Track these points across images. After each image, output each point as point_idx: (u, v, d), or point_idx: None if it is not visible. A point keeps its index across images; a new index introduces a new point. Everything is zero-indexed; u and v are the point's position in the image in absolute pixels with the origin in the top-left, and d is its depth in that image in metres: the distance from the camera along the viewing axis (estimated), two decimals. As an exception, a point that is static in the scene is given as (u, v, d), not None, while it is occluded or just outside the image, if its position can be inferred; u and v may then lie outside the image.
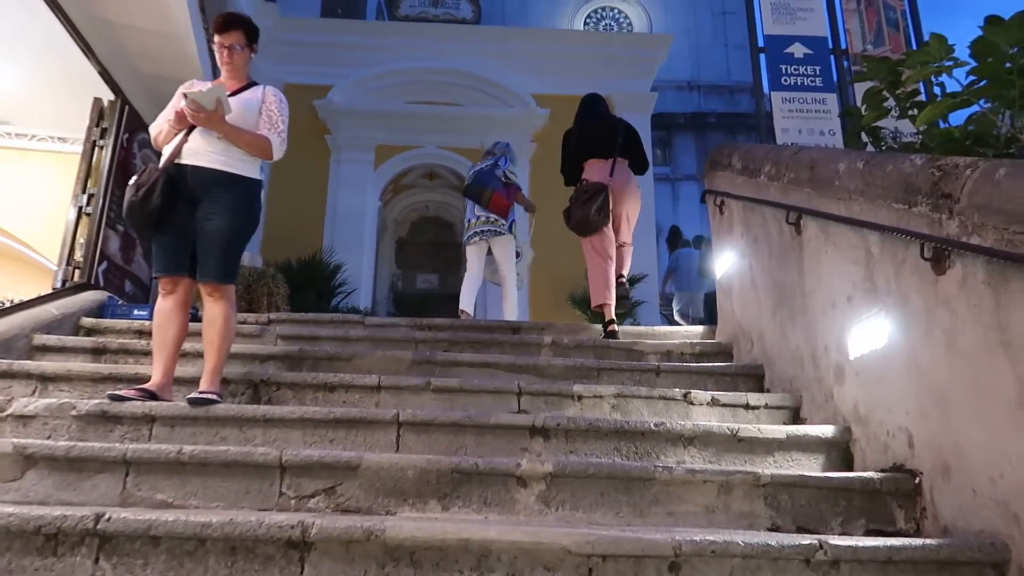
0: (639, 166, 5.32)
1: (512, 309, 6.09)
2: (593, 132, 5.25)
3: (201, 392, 3.01)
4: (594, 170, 5.06)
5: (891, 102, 3.09)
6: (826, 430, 3.03)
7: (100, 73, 5.69)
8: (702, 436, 2.96)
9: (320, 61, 10.61)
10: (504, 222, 5.83)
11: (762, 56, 6.01)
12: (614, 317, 5.08)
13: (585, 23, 23.15)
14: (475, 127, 10.50)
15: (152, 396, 3.02)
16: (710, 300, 6.91)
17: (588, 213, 4.89)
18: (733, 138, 32.75)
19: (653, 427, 2.96)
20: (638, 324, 8.55)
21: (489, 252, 6.07)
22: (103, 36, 5.69)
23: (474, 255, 5.98)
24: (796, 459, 2.98)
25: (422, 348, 4.52)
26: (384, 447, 2.88)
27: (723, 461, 2.91)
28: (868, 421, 2.88)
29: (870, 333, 2.84)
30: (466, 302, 5.98)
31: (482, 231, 5.86)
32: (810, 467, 2.95)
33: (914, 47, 5.88)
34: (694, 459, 2.92)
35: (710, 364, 4.21)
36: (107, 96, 5.81)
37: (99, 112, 5.69)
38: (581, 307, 9.03)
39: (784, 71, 5.84)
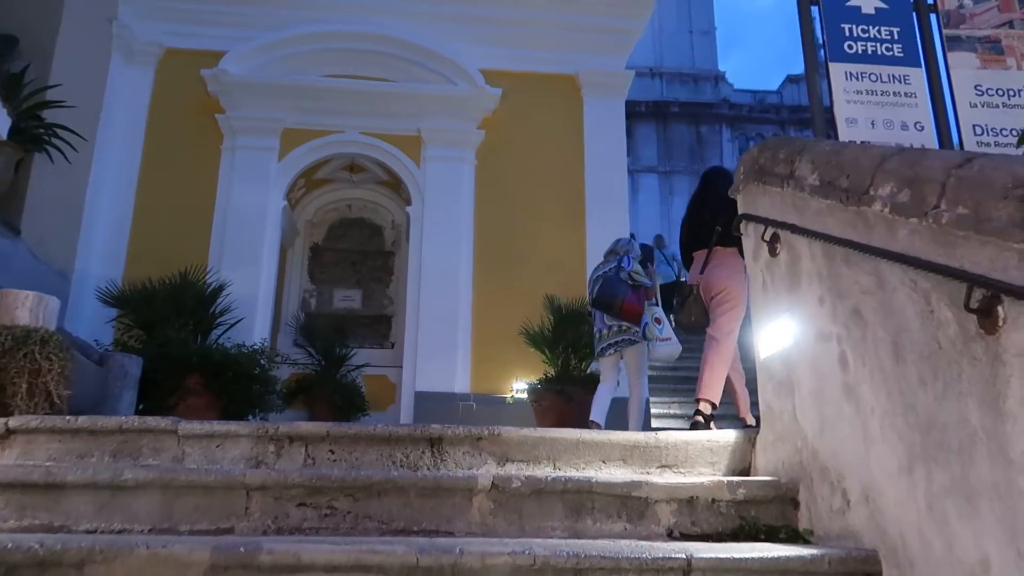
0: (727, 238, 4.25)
1: (638, 419, 5.47)
2: (693, 220, 4.84)
3: None
4: (693, 266, 4.72)
5: None
6: None
7: None
8: None
9: (211, 20, 8.35)
10: (637, 328, 5.30)
11: (814, 9, 4.06)
12: (703, 414, 4.48)
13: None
14: (410, 108, 8.38)
15: None
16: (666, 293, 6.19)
17: (681, 321, 4.60)
18: (696, 129, 31.26)
19: None
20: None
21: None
22: None
23: (609, 366, 5.59)
24: None
25: (257, 502, 2.47)
26: None
27: None
28: None
29: None
30: (597, 413, 5.49)
31: (616, 342, 5.42)
32: None
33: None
34: None
35: (778, 553, 2.24)
36: None
37: None
38: (538, 343, 7.01)
39: (848, 32, 3.92)
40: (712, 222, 4.38)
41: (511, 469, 2.90)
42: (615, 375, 5.58)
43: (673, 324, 5.15)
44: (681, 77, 31.07)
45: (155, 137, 8.05)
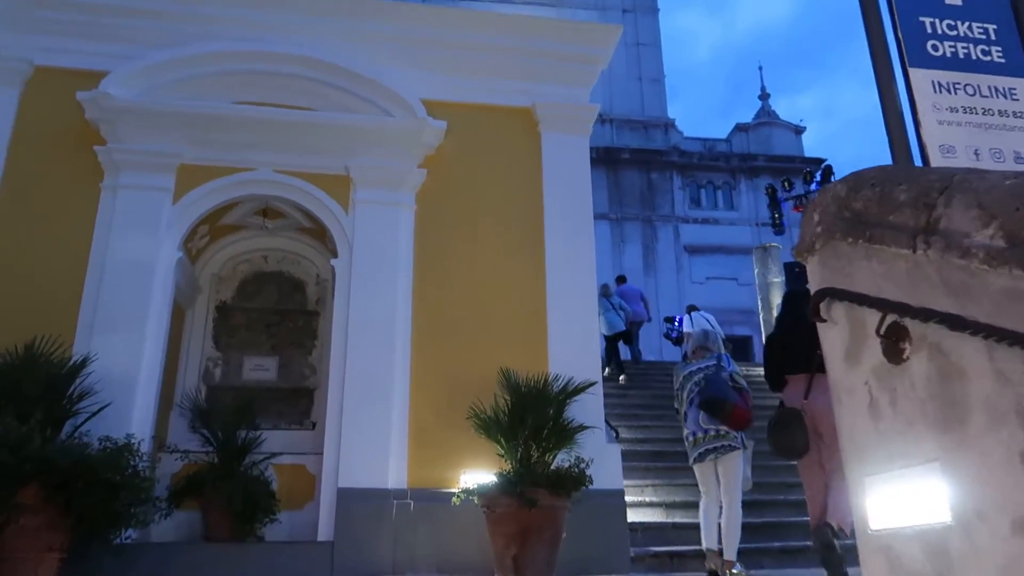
0: None
1: (735, 536, 5.08)
2: (791, 341, 4.63)
3: None
4: (791, 389, 4.57)
5: None
6: None
7: None
8: None
9: (93, 33, 6.91)
10: (737, 435, 5.13)
11: (881, 1, 2.89)
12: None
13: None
14: (336, 142, 7.03)
15: None
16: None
17: (781, 446, 4.13)
18: (647, 175, 30.72)
19: None
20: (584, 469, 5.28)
21: None
22: None
23: (708, 475, 5.30)
24: None
25: None
26: None
27: None
28: None
29: None
30: (710, 538, 5.15)
31: (714, 448, 5.16)
32: None
33: None
34: None
35: None
36: None
37: None
38: (491, 431, 5.62)
39: (930, 29, 2.76)
40: (810, 344, 3.76)
41: None
42: (717, 485, 5.22)
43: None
44: (631, 124, 30.59)
45: (16, 173, 6.50)
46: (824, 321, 2.13)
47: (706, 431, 5.15)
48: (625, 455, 8.31)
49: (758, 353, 26.36)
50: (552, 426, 5.44)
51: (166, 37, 6.99)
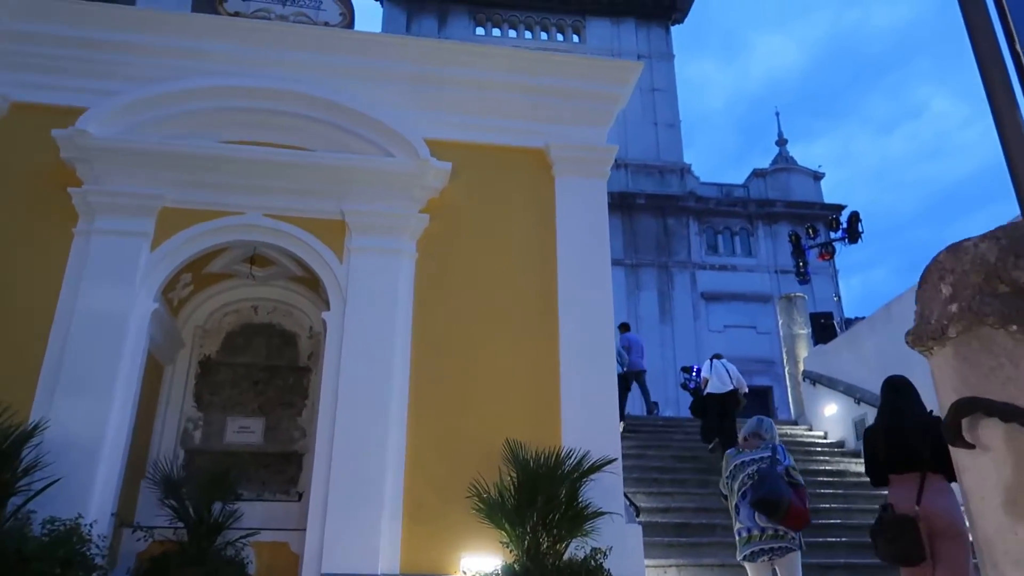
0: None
1: None
2: (893, 439, 4.37)
3: None
4: (899, 490, 4.25)
5: None
6: None
7: None
8: None
9: (71, 68, 6.44)
10: (795, 535, 4.80)
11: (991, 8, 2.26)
12: None
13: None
14: (331, 184, 6.47)
15: None
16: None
17: (893, 554, 4.02)
18: (663, 221, 30.17)
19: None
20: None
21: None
22: None
23: (762, 574, 4.97)
24: None
25: None
26: None
27: None
28: None
29: None
30: None
31: (771, 548, 4.79)
32: None
33: None
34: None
35: None
36: None
37: None
38: (495, 514, 4.89)
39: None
40: (920, 442, 4.16)
41: None
42: None
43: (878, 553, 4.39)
44: (647, 168, 30.18)
45: (-18, 217, 5.97)
46: (969, 447, 1.44)
47: (763, 529, 4.83)
48: (645, 528, 7.53)
49: (780, 405, 25.41)
50: (564, 510, 4.72)
51: (149, 72, 6.51)
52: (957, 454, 1.50)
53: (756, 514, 4.86)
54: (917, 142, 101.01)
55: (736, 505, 5.03)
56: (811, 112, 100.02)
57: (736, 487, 5.04)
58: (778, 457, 5.02)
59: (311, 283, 7.01)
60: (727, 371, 11.00)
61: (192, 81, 6.48)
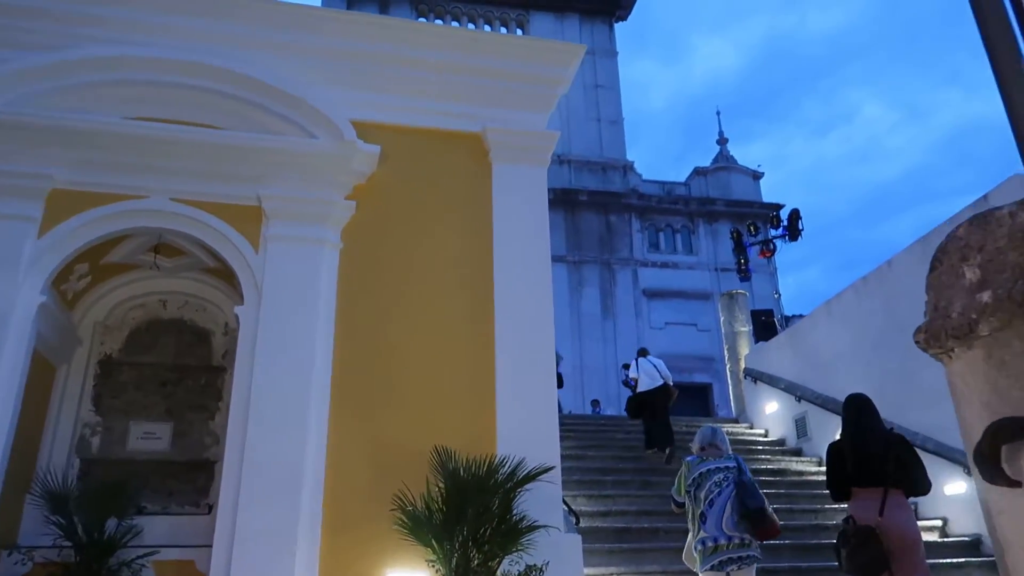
0: (917, 485, 4.63)
1: None
2: (861, 455, 4.70)
3: None
4: (862, 503, 4.56)
5: None
6: None
7: None
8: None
9: (-51, 29, 5.73)
10: (758, 545, 4.83)
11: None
12: None
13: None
14: (247, 167, 5.90)
15: None
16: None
17: (857, 565, 4.27)
18: (606, 218, 30.08)
19: None
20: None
21: None
22: None
23: None
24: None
25: None
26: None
27: None
28: None
29: None
30: None
31: (739, 557, 4.76)
32: None
33: None
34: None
35: None
36: None
37: None
38: (420, 529, 4.45)
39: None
40: (885, 459, 4.48)
41: None
42: None
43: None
44: (590, 165, 30.04)
45: None
46: (1013, 484, 1.07)
47: (730, 539, 4.81)
48: (585, 534, 7.18)
49: (720, 402, 25.55)
50: (497, 524, 4.30)
51: (43, 39, 5.83)
52: (990, 493, 1.13)
53: (726, 524, 4.82)
54: (849, 146, 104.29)
55: (702, 514, 4.92)
56: (749, 114, 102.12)
57: (703, 496, 4.93)
58: (743, 469, 5.04)
59: (227, 275, 6.43)
60: (655, 367, 10.84)
61: (91, 50, 5.83)
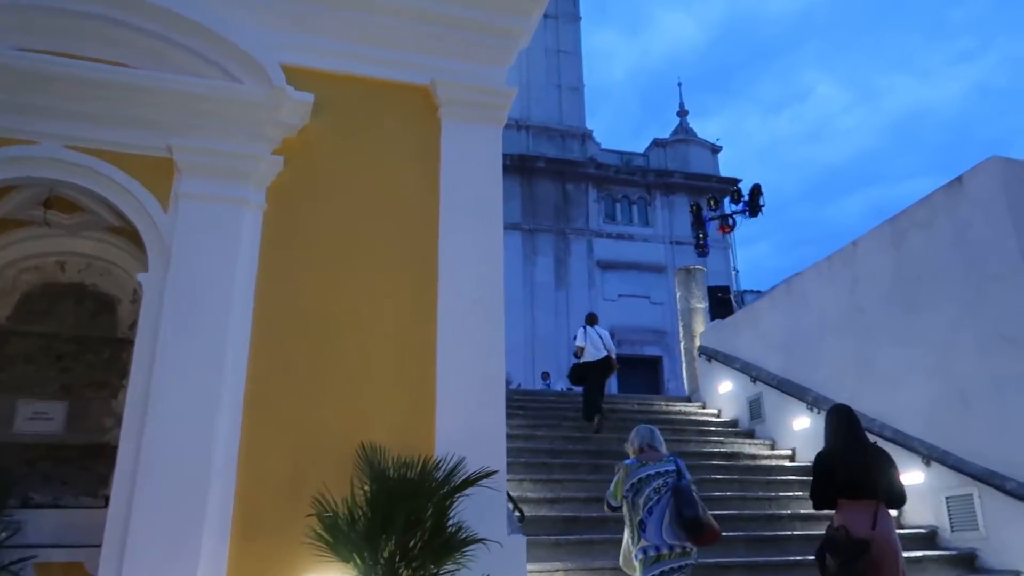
0: (895, 500, 4.76)
1: None
2: (854, 464, 4.75)
3: None
4: (854, 515, 4.56)
5: None
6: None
7: None
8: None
9: None
10: (696, 552, 4.72)
11: None
12: None
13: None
14: (157, 112, 5.12)
15: None
16: None
17: (853, 573, 4.35)
18: (563, 187, 29.48)
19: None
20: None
21: None
22: None
23: None
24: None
25: None
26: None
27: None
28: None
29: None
30: None
31: (680, 566, 4.62)
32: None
33: None
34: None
35: None
36: None
37: None
38: (340, 540, 3.85)
39: None
40: (876, 471, 4.64)
41: None
42: None
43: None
44: (548, 132, 29.35)
45: None
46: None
47: (671, 547, 4.68)
48: (530, 524, 6.71)
49: (669, 377, 25.44)
50: (431, 536, 3.74)
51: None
52: None
53: (666, 532, 4.66)
54: (802, 124, 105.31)
55: (641, 521, 4.71)
56: (707, 89, 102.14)
57: (641, 502, 4.72)
58: (683, 473, 4.85)
59: (136, 236, 5.65)
60: (600, 338, 10.84)
61: (-31, -34, 4.95)
